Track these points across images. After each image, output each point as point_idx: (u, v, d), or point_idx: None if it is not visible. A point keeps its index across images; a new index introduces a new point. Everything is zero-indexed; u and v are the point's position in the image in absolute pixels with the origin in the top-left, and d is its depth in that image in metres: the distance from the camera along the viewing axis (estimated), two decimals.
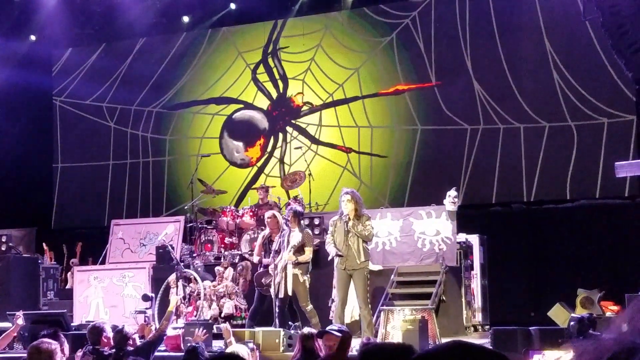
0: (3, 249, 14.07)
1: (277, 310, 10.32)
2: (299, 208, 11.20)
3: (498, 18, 14.76)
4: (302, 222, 10.84)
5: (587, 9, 13.01)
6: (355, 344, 7.25)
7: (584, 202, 13.93)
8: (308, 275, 10.48)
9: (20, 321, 8.09)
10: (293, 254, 10.34)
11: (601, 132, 13.86)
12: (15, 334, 8.31)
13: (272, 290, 10.44)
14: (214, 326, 9.85)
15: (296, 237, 10.42)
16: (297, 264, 10.35)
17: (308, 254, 10.45)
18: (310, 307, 10.39)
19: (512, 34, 14.70)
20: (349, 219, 9.81)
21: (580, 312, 10.99)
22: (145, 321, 10.84)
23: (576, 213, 13.88)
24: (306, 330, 6.47)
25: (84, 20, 17.15)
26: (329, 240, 10.07)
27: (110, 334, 7.40)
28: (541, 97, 14.41)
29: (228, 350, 6.06)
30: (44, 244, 15.00)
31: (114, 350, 7.23)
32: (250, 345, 6.81)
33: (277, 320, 10.28)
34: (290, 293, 10.32)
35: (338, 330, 5.93)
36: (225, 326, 7.62)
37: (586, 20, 13.06)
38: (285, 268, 10.32)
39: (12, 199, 17.01)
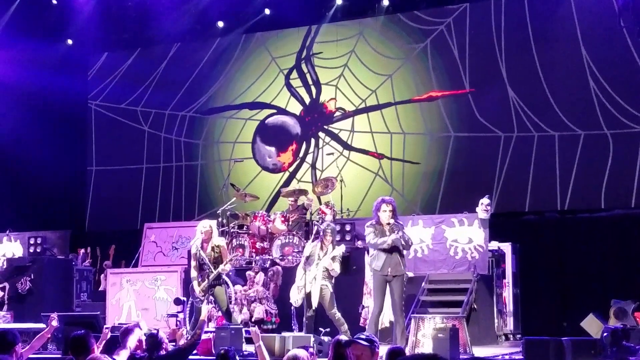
0: (38, 250, 14.24)
1: (305, 320, 10.36)
2: (334, 226, 11.29)
3: (534, 25, 14.66)
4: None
5: (624, 16, 12.90)
6: (383, 352, 7.19)
7: (619, 212, 13.78)
8: (332, 283, 10.56)
9: (55, 323, 8.17)
10: (329, 264, 10.45)
11: (637, 141, 13.71)
12: (49, 336, 8.39)
13: (296, 299, 10.56)
14: (243, 330, 9.88)
15: (332, 250, 10.56)
16: (326, 276, 10.44)
17: (339, 266, 10.56)
18: (338, 314, 10.41)
19: (548, 41, 14.58)
20: (391, 228, 9.81)
21: (613, 323, 10.87)
22: (177, 325, 10.90)
23: (611, 222, 13.74)
24: (338, 338, 6.46)
25: (119, 25, 17.31)
26: (374, 239, 9.92)
27: (143, 338, 7.45)
28: (577, 105, 14.29)
29: (289, 354, 6.04)
30: (87, 249, 15.25)
31: (145, 354, 7.27)
32: (310, 350, 6.81)
33: (304, 329, 10.32)
34: (316, 304, 10.40)
35: (366, 340, 5.88)
36: (254, 330, 7.61)
37: (623, 28, 12.94)
38: (314, 277, 10.40)
39: (47, 201, 17.21)
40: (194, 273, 10.73)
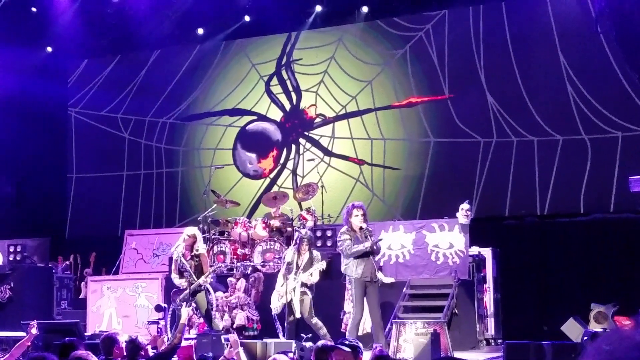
0: (18, 258, 14.16)
1: (287, 326, 10.38)
2: (311, 234, 11.29)
3: (512, 31, 14.76)
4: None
5: (601, 22, 13.02)
6: (366, 358, 7.21)
7: (598, 216, 13.87)
8: (312, 289, 10.60)
9: (34, 330, 8.13)
10: (307, 279, 10.49)
11: (615, 146, 13.82)
12: (29, 344, 8.33)
13: (276, 306, 10.57)
14: (222, 337, 9.86)
15: (311, 259, 10.58)
16: (305, 285, 10.49)
17: (317, 277, 10.59)
18: (315, 319, 10.44)
19: (526, 46, 14.69)
20: (364, 234, 9.89)
21: (593, 326, 10.95)
22: (157, 332, 10.87)
23: (590, 227, 13.81)
24: (320, 344, 6.45)
25: (99, 31, 17.27)
26: (354, 247, 9.92)
27: (123, 345, 7.42)
28: (555, 110, 14.39)
29: (271, 359, 6.04)
30: (70, 259, 15.15)
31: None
32: (291, 355, 6.80)
33: (285, 337, 10.33)
34: (299, 315, 10.42)
35: (349, 345, 5.89)
36: (233, 337, 7.60)
37: (600, 33, 13.05)
38: (294, 289, 10.44)
39: (27, 209, 17.11)
40: (174, 276, 10.75)
